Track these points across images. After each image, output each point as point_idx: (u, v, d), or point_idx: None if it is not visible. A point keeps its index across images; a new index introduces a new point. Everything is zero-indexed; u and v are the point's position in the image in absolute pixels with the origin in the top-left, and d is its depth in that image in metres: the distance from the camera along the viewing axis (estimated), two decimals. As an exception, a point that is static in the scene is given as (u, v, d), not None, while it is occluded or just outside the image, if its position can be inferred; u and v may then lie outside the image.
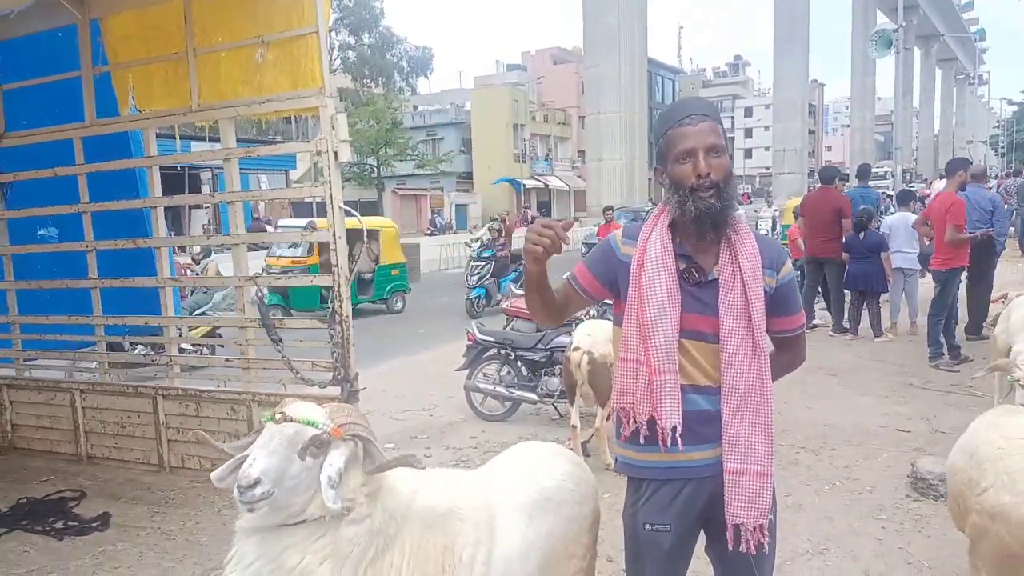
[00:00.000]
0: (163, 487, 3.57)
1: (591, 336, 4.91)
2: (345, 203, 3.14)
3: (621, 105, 27.71)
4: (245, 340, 3.55)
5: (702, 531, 2.08)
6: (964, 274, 7.66)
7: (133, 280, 3.77)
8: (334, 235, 3.16)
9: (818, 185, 9.87)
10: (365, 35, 45.07)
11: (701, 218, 1.85)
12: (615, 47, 27.89)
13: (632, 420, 1.96)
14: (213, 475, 1.84)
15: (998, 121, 73.45)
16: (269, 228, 16.94)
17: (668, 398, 1.88)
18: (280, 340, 3.37)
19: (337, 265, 3.16)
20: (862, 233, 8.70)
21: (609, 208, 14.48)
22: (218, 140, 3.73)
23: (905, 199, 10.10)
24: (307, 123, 36.61)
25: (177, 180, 18.93)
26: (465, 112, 49.44)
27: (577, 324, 6.75)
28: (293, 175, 31.27)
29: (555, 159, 51.55)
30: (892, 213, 10.39)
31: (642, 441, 1.96)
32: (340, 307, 3.17)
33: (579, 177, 47.88)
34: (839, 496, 4.30)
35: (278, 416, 1.76)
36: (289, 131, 35.61)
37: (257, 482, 1.65)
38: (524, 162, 45.85)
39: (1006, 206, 17.01)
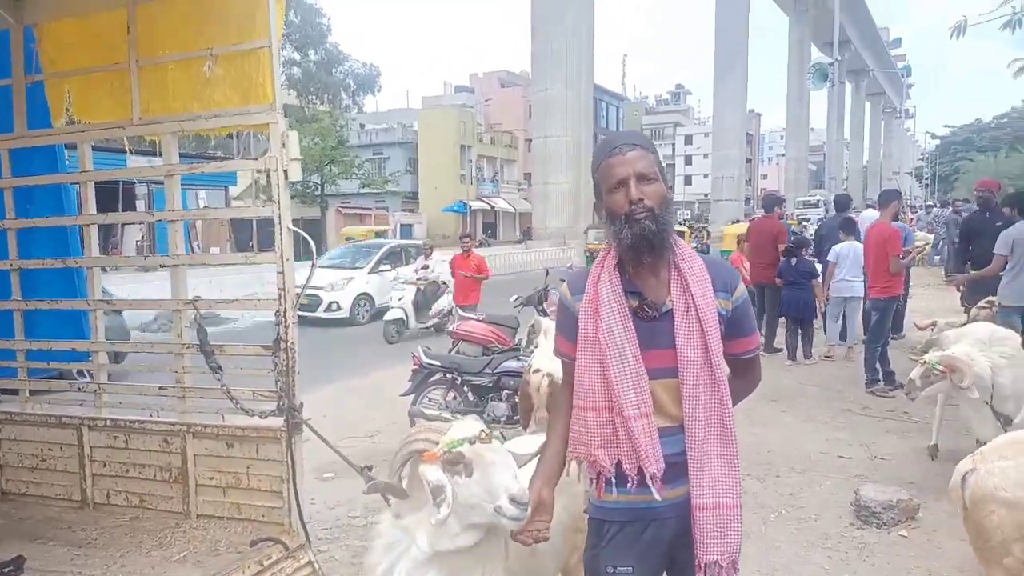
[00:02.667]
0: (86, 525, 3.32)
1: (552, 359, 4.84)
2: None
3: (567, 129, 28.09)
4: (181, 367, 3.36)
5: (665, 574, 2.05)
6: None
7: (60, 302, 3.54)
8: (281, 257, 3.03)
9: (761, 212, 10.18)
10: (311, 51, 44.63)
11: (637, 243, 1.83)
12: (562, 72, 28.32)
13: (597, 468, 1.93)
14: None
15: (922, 154, 77.21)
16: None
17: (649, 442, 1.84)
18: (219, 368, 3.20)
19: (284, 289, 3.02)
20: (794, 260, 8.92)
21: (467, 236, 11.14)
22: (155, 155, 3.56)
23: (850, 227, 10.42)
24: (249, 139, 35.94)
25: (110, 195, 18.25)
26: (412, 132, 49.35)
27: (531, 347, 6.71)
28: (233, 191, 30.55)
29: (502, 181, 51.81)
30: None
31: (604, 483, 1.92)
32: (286, 333, 3.03)
33: (525, 199, 48.18)
34: (785, 524, 4.33)
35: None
36: (231, 147, 34.83)
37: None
38: (471, 183, 45.90)
39: (931, 235, 17.81)
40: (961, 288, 7.46)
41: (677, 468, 1.87)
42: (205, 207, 22.27)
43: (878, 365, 7.47)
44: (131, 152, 4.35)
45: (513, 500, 1.69)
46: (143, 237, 23.80)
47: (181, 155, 3.36)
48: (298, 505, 3.06)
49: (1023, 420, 3.57)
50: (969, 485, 2.72)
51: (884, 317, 7.43)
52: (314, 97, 45.22)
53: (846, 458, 5.45)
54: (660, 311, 1.89)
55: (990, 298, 6.50)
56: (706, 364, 1.85)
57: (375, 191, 41.50)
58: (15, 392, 3.70)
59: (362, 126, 50.47)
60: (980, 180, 8.42)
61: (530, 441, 2.65)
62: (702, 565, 1.86)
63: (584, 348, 1.92)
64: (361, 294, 14.20)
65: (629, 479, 1.88)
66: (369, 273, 14.67)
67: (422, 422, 1.97)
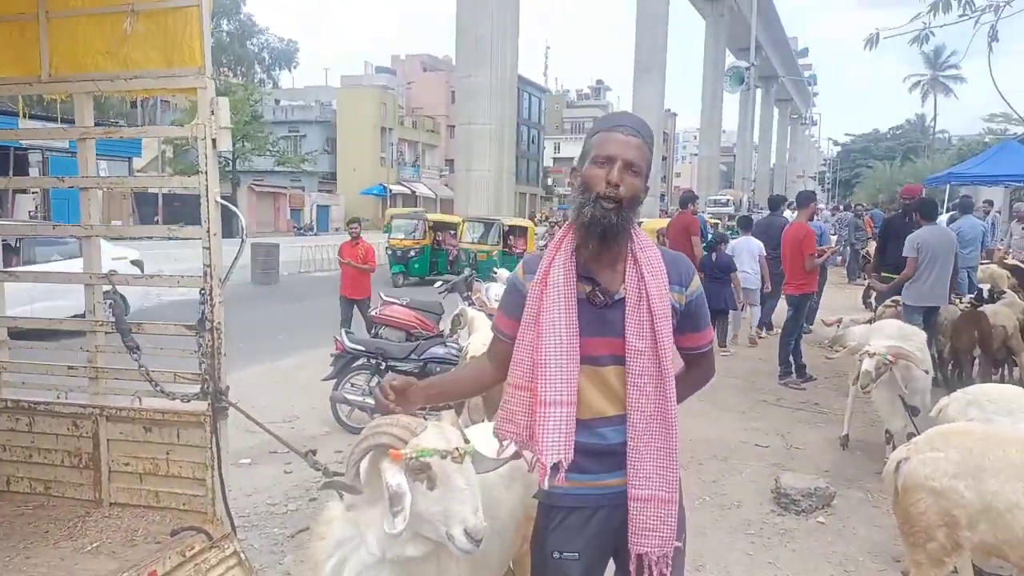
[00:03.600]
0: (-18, 514, 3.05)
1: (487, 345, 4.80)
2: (195, 196, 2.84)
3: (491, 117, 27.92)
4: (94, 346, 3.11)
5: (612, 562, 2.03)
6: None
7: (-46, 272, 3.22)
8: (208, 232, 2.84)
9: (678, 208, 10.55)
10: (224, 21, 42.82)
11: (591, 226, 1.81)
12: (487, 59, 28.10)
13: (519, 449, 1.91)
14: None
15: (824, 159, 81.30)
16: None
17: (554, 432, 1.81)
18: (137, 347, 2.98)
19: (211, 266, 2.84)
20: (714, 255, 9.26)
21: (355, 221, 10.43)
22: (52, 119, 3.26)
23: (746, 225, 10.91)
24: (156, 108, 34.09)
25: (2, 160, 16.92)
26: (330, 111, 48.10)
27: (455, 335, 6.64)
28: (137, 163, 28.95)
29: (423, 166, 51.24)
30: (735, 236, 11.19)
31: (550, 469, 1.88)
32: (211, 312, 2.85)
33: (446, 186, 47.84)
34: (710, 511, 4.44)
35: (455, 456, 1.69)
36: (135, 115, 32.96)
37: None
38: (391, 167, 45.16)
39: (834, 236, 18.75)
40: (874, 290, 7.84)
41: (624, 456, 1.86)
42: (122, 176, 20.99)
43: (791, 358, 7.78)
44: (26, 116, 3.98)
45: (467, 534, 1.63)
46: (36, 207, 22.21)
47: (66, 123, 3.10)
48: (223, 492, 2.90)
49: (935, 413, 3.76)
50: (902, 473, 2.85)
51: (798, 313, 7.75)
52: (226, 69, 43.44)
53: (763, 447, 5.65)
54: (612, 298, 1.87)
55: (895, 297, 6.88)
56: (653, 355, 1.83)
57: (291, 170, 40.32)
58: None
59: (277, 102, 48.82)
60: (905, 187, 8.93)
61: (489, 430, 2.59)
62: (633, 555, 1.85)
63: (524, 329, 1.88)
64: None
65: (577, 465, 1.84)
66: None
67: (395, 416, 1.84)
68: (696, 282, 1.96)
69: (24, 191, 21.33)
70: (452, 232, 19.58)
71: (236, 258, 2.94)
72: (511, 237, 19.10)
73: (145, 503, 3.06)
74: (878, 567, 3.76)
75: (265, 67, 46.95)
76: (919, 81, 63.27)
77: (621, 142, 1.82)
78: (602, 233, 1.80)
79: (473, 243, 18.40)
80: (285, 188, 40.25)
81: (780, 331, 7.88)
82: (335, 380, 6.57)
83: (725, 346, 9.43)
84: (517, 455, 1.90)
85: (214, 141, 2.81)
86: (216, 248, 2.85)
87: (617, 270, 1.88)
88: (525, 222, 21.38)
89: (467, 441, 1.79)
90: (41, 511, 3.10)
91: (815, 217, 8.39)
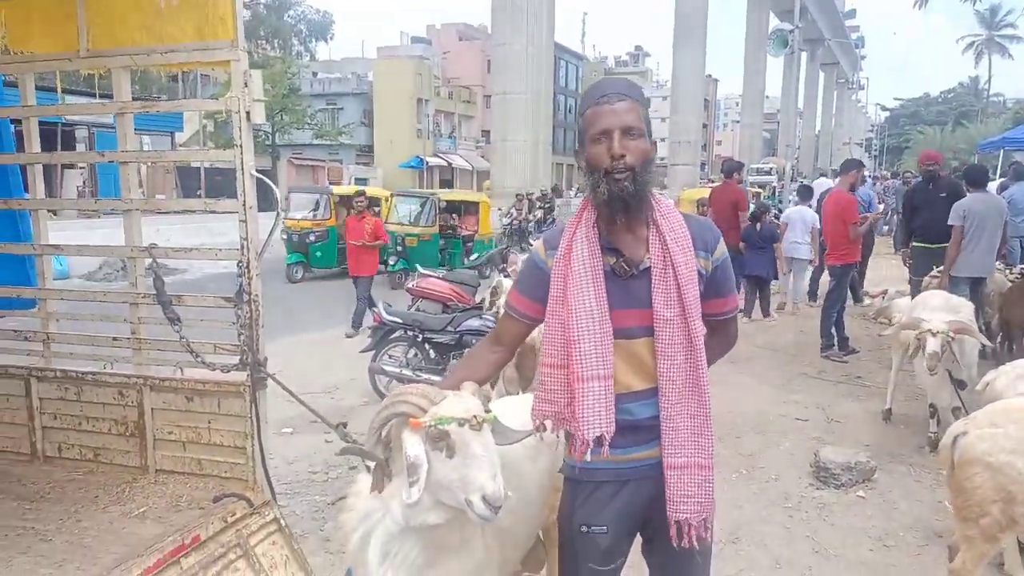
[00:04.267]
0: (36, 479, 3.17)
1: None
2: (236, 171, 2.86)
3: (528, 86, 27.66)
4: (137, 318, 3.18)
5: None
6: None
7: (4, 246, 3.31)
8: (244, 205, 2.86)
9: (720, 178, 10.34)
10: (261, -7, 42.99)
11: (612, 201, 1.78)
12: (523, 27, 27.78)
13: (556, 428, 1.91)
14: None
15: (872, 125, 78.82)
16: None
17: (594, 406, 1.80)
18: (178, 319, 3.04)
19: (247, 238, 2.87)
20: (758, 225, 9.15)
21: (360, 193, 9.58)
22: (92, 95, 3.31)
23: (804, 194, 10.69)
24: (196, 83, 34.51)
25: (49, 137, 17.33)
26: (367, 83, 48.07)
27: (493, 308, 6.65)
28: (180, 137, 29.39)
29: (459, 137, 51.06)
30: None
31: (578, 444, 1.87)
32: (249, 284, 2.89)
33: (482, 157, 47.64)
34: (747, 485, 4.40)
35: (475, 422, 1.70)
36: (176, 89, 33.40)
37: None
38: (428, 139, 45.13)
39: (881, 206, 18.26)
40: (909, 261, 7.59)
41: (653, 430, 1.85)
42: (161, 151, 21.38)
43: (833, 330, 7.63)
44: (63, 92, 4.04)
45: (486, 501, 1.63)
46: (84, 182, 22.76)
47: (147, 99, 3.14)
48: (263, 461, 2.96)
49: (982, 387, 3.66)
50: (959, 447, 2.81)
51: (840, 284, 7.58)
52: (263, 41, 43.65)
53: (803, 420, 5.57)
54: (638, 269, 1.84)
55: (941, 268, 6.67)
56: (682, 324, 1.81)
57: (328, 143, 40.50)
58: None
59: (314, 74, 48.95)
60: (924, 153, 8.59)
61: (520, 403, 2.59)
62: (673, 523, 1.84)
63: (553, 307, 1.87)
64: None
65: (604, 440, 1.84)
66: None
67: (416, 385, 1.85)
68: (721, 247, 1.92)
69: (72, 166, 21.86)
70: (472, 215, 15.54)
71: (272, 231, 2.97)
72: (455, 216, 15.21)
73: (189, 470, 3.15)
74: (919, 542, 3.69)
75: (302, 39, 47.05)
76: (973, 42, 60.76)
77: (611, 112, 1.78)
78: (623, 205, 1.78)
79: (401, 224, 13.86)
80: (323, 161, 40.51)
81: (822, 303, 7.71)
82: (373, 352, 6.66)
83: (769, 314, 9.38)
84: (540, 429, 1.90)
85: (248, 114, 2.81)
86: (252, 220, 2.88)
87: (640, 239, 1.85)
88: (476, 196, 17.70)
89: (488, 411, 1.79)
90: (91, 477, 3.21)
91: (856, 187, 8.10)
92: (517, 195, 20.51)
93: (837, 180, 8.87)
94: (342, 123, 43.18)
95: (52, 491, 3.09)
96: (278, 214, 2.95)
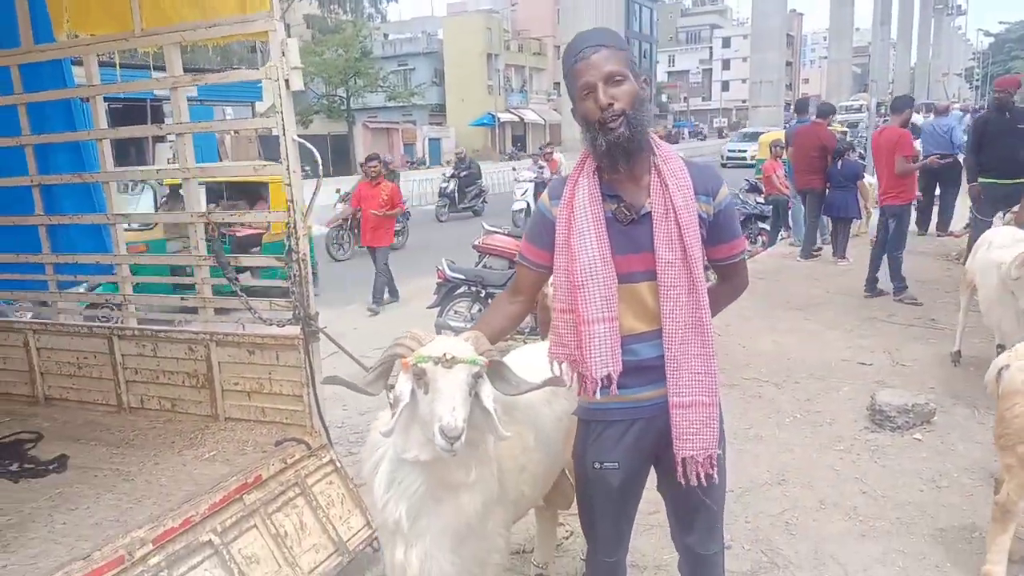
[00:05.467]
0: (122, 428, 3.52)
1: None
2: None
3: (597, 34, 27.11)
4: (200, 279, 3.45)
5: (653, 470, 2.11)
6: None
7: (82, 216, 3.62)
8: (288, 170, 3.04)
9: (810, 118, 10.08)
10: (331, -43, 43.33)
11: (611, 150, 1.81)
12: (591, -27, 27.13)
13: (571, 369, 1.98)
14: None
15: (974, 53, 73.21)
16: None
17: (600, 347, 1.86)
18: (237, 279, 3.28)
19: (292, 201, 3.05)
20: (840, 163, 8.88)
21: (374, 158, 8.79)
22: (162, 69, 3.54)
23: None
24: (269, 52, 35.32)
25: (139, 112, 18.24)
26: (437, 41, 48.05)
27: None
28: (260, 107, 30.32)
29: (530, 91, 50.53)
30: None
31: (589, 384, 1.95)
32: (296, 244, 3.08)
33: (555, 110, 47.09)
34: (799, 428, 4.38)
35: (447, 359, 1.78)
36: (255, 59, 34.35)
37: (463, 431, 1.72)
38: (499, 94, 44.91)
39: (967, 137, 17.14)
40: (981, 196, 7.15)
41: (659, 370, 1.91)
42: (209, 121, 22.13)
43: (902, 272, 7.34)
44: (120, 67, 4.30)
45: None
46: (175, 154, 23.90)
47: (199, 70, 3.33)
48: (318, 408, 3.19)
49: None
50: (1003, 379, 2.79)
51: (901, 223, 7.25)
52: (336, 6, 44.12)
53: (867, 365, 5.44)
54: (639, 214, 1.88)
55: (1014, 208, 6.30)
56: (684, 266, 1.85)
57: (401, 104, 40.86)
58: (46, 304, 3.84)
59: (385, 36, 49.28)
60: (1000, 79, 8.00)
61: (541, 350, 2.69)
62: (679, 460, 1.91)
63: (558, 254, 1.93)
64: None
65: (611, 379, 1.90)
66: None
67: (413, 328, 1.98)
68: (724, 192, 1.94)
69: (162, 139, 22.98)
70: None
71: (315, 194, 3.14)
72: (218, 204, 8.78)
73: (254, 418, 3.42)
74: (973, 483, 3.61)
75: (373, 1, 47.35)
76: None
77: (590, 65, 1.81)
78: (624, 151, 1.81)
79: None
80: (398, 123, 40.98)
81: (888, 246, 7.38)
82: (439, 308, 6.87)
83: (845, 256, 9.13)
84: (552, 381, 1.98)
85: (287, 82, 2.96)
86: (297, 184, 3.06)
87: (641, 185, 1.89)
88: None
89: (484, 354, 1.86)
90: (169, 425, 3.53)
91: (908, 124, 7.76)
92: (456, 154, 20.28)
93: (889, 118, 8.54)
94: (414, 84, 43.48)
95: (136, 438, 3.42)
96: (319, 177, 3.10)
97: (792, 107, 11.77)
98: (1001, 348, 4.65)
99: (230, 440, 3.32)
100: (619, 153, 1.82)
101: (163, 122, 3.78)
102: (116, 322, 3.64)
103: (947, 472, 3.73)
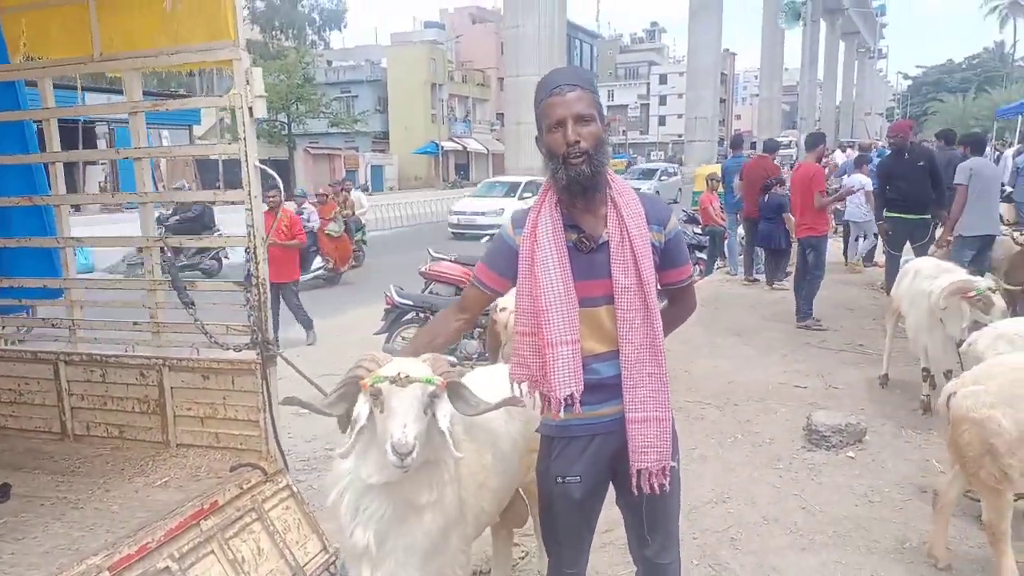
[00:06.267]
0: (67, 456, 3.42)
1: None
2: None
3: (541, 68, 27.43)
4: (154, 303, 3.41)
5: (611, 485, 2.21)
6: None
7: (31, 240, 3.55)
8: (249, 195, 3.07)
9: (744, 153, 11.15)
10: (275, -16, 43.15)
11: (571, 185, 1.95)
12: (535, 8, 27.59)
13: (531, 390, 2.08)
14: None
15: (894, 94, 77.41)
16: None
17: (564, 368, 1.97)
18: (192, 303, 3.26)
19: (252, 226, 3.07)
20: (767, 196, 9.28)
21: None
22: (117, 92, 3.52)
23: (860, 162, 11.37)
24: (212, 77, 34.85)
25: (70, 135, 17.74)
26: (381, 70, 48.18)
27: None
28: (197, 131, 29.80)
29: (474, 121, 51.04)
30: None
31: (551, 403, 2.04)
32: (256, 269, 3.10)
33: (498, 140, 47.62)
34: (741, 448, 4.57)
35: (401, 378, 1.82)
36: (193, 84, 33.81)
37: (415, 447, 1.76)
38: (442, 123, 45.20)
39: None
40: (889, 232, 7.65)
41: (617, 388, 2.02)
42: (169, 146, 21.73)
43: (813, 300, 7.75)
44: (81, 90, 4.26)
45: (393, 448, 1.75)
46: (106, 178, 23.22)
47: (144, 94, 3.34)
48: (275, 433, 3.18)
49: (966, 347, 3.78)
50: (952, 406, 2.95)
51: (819, 254, 7.66)
52: (278, 32, 43.89)
53: (802, 387, 5.70)
54: (597, 243, 2.01)
55: (948, 237, 6.77)
56: (639, 291, 1.98)
57: (344, 131, 40.70)
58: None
59: (329, 63, 49.14)
60: (893, 125, 8.77)
61: (498, 372, 2.77)
62: (634, 471, 2.02)
63: (522, 280, 2.05)
64: None
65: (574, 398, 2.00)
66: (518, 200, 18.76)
67: (373, 351, 2.04)
68: (673, 221, 2.10)
69: (94, 163, 22.31)
70: None
71: (276, 220, 3.18)
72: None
73: (207, 443, 3.38)
74: (903, 497, 3.84)
75: (316, 28, 47.23)
76: (997, 5, 59.28)
77: (563, 102, 1.94)
78: (582, 187, 1.95)
79: None
80: (340, 149, 40.75)
81: (809, 275, 7.78)
82: (386, 334, 6.87)
83: (781, 282, 9.76)
84: (510, 401, 2.06)
85: (251, 109, 3.01)
86: (258, 209, 3.09)
87: (599, 216, 2.02)
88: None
89: (443, 375, 1.92)
90: (117, 452, 3.45)
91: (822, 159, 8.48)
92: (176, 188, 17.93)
93: (805, 154, 9.21)
94: (357, 111, 43.34)
95: (82, 466, 3.34)
96: (281, 203, 3.14)
97: (728, 143, 12.58)
98: (927, 372, 4.97)
99: (182, 467, 3.27)
100: (577, 188, 1.96)
101: (95, 144, 3.75)
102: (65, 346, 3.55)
103: (879, 488, 3.95)
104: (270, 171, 3.17)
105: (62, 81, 3.58)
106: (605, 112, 2.07)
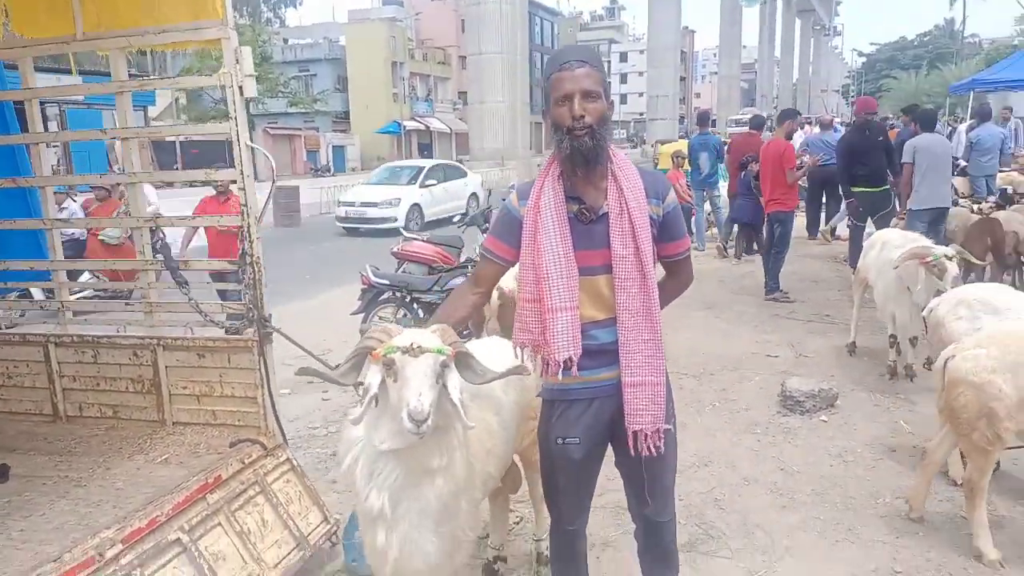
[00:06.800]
0: (61, 437, 3.43)
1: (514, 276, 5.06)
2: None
3: (503, 46, 27.44)
4: (147, 283, 3.42)
5: (610, 447, 2.33)
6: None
7: (15, 222, 3.52)
8: (242, 174, 3.09)
9: (708, 130, 11.25)
10: (228, -40, 42.00)
11: (574, 155, 2.04)
12: (496, -16, 27.45)
13: (534, 354, 2.18)
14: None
15: (849, 71, 78.78)
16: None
17: (563, 333, 2.07)
18: (186, 282, 3.28)
19: (246, 205, 3.10)
20: (742, 173, 9.46)
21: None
22: (66, 72, 3.49)
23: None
24: (165, 58, 33.90)
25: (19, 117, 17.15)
26: (340, 48, 47.36)
27: (472, 265, 6.90)
28: (152, 112, 29.03)
29: (436, 100, 50.59)
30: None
31: (552, 367, 2.14)
32: (251, 247, 3.13)
33: (460, 119, 47.33)
34: (719, 415, 4.75)
35: (414, 348, 1.88)
36: (144, 64, 32.84)
37: (430, 415, 1.82)
38: (404, 102, 44.72)
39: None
40: (860, 208, 7.87)
41: (614, 354, 2.13)
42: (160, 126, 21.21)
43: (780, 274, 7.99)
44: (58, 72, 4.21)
45: (410, 416, 1.82)
46: (59, 161, 22.54)
47: (90, 74, 3.31)
48: (273, 408, 3.24)
49: (927, 312, 3.96)
50: (948, 369, 3.06)
51: (785, 228, 7.87)
52: (232, 9, 42.84)
53: (774, 356, 5.91)
54: (597, 214, 2.11)
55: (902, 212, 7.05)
56: (636, 261, 2.08)
57: (304, 111, 40.03)
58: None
59: (285, 41, 48.21)
60: (860, 101, 8.98)
61: (500, 345, 2.86)
62: (631, 432, 2.14)
63: (525, 249, 2.13)
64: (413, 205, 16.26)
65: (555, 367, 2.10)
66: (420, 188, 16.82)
67: (382, 322, 2.11)
68: (671, 196, 2.20)
69: (47, 145, 21.64)
70: None
71: (269, 197, 3.20)
72: None
73: (204, 421, 3.42)
74: (874, 456, 4.05)
75: (271, 5, 46.30)
76: (947, -17, 60.57)
77: (572, 77, 2.02)
78: (584, 158, 2.04)
79: None
80: (300, 129, 40.13)
81: (774, 250, 8.01)
82: (363, 314, 6.89)
83: (742, 256, 10.14)
84: (516, 370, 2.15)
85: (240, 88, 3.02)
86: (250, 188, 3.11)
87: (600, 189, 2.12)
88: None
89: (457, 345, 2.00)
90: (112, 431, 3.48)
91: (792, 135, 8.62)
92: None
93: (775, 130, 9.32)
94: (316, 90, 42.66)
95: (78, 446, 3.35)
96: (273, 181, 3.17)
97: (696, 120, 12.58)
98: (893, 338, 5.20)
99: (181, 444, 3.31)
100: (579, 159, 2.05)
101: (46, 127, 3.69)
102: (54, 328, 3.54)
103: (852, 448, 4.16)
104: (262, 150, 3.19)
105: (41, 63, 3.52)
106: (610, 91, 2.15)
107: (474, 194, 18.03)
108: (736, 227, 10.57)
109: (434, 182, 17.26)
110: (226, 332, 3.30)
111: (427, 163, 19.03)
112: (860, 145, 7.59)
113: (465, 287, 2.37)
